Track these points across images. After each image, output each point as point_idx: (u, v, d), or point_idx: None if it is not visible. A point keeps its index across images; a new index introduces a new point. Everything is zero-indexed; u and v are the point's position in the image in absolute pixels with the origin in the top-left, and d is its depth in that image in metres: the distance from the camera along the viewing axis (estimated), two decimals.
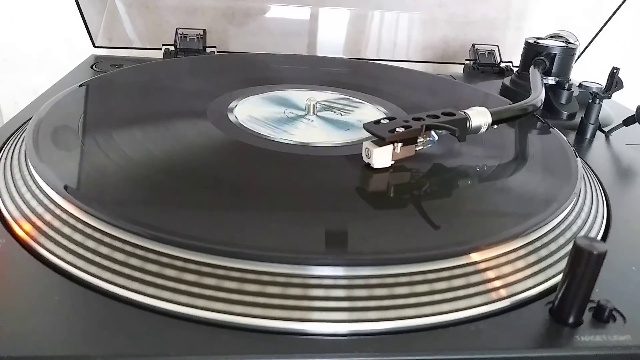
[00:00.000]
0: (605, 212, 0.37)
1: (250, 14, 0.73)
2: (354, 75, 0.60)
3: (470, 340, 0.25)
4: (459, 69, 0.74)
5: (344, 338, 0.25)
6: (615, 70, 0.49)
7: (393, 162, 0.37)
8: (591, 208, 0.36)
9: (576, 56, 0.58)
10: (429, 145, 0.38)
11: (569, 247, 0.25)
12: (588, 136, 0.51)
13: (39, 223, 0.30)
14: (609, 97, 0.50)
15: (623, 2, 0.67)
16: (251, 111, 0.46)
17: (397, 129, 0.36)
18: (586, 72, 0.63)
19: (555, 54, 0.56)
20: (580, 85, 0.56)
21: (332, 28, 0.77)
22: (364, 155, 0.37)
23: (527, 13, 0.77)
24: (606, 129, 0.52)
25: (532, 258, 0.30)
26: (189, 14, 0.71)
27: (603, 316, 0.26)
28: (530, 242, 0.31)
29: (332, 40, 0.78)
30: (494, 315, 0.26)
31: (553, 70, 0.56)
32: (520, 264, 0.29)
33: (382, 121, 0.37)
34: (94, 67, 0.62)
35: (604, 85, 0.50)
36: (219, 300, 0.25)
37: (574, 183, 0.36)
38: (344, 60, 0.69)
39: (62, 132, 0.39)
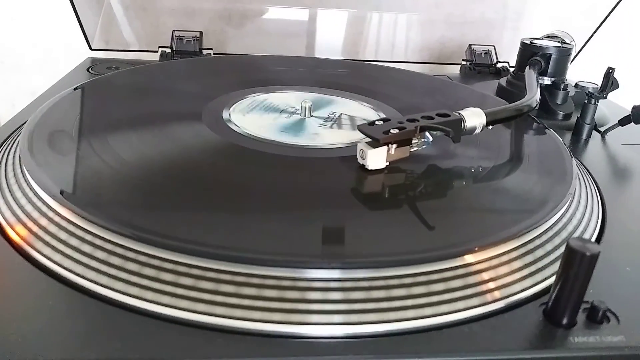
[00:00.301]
0: (600, 212, 0.37)
1: (247, 16, 0.73)
2: (352, 77, 0.60)
3: (464, 342, 0.25)
4: (456, 70, 0.74)
5: (340, 341, 0.25)
6: (610, 71, 0.49)
7: (387, 163, 0.37)
8: (586, 208, 0.36)
9: (572, 56, 0.58)
10: (424, 147, 0.38)
11: (563, 248, 0.25)
12: (584, 136, 0.51)
13: (33, 227, 0.30)
14: (605, 97, 0.50)
15: (618, 3, 0.67)
16: (247, 113, 0.46)
17: (392, 131, 0.36)
18: (582, 72, 0.63)
19: (551, 54, 0.56)
20: (576, 86, 0.56)
21: (330, 29, 0.77)
22: (358, 156, 0.37)
23: (524, 13, 0.78)
24: (602, 129, 0.52)
25: (526, 259, 0.30)
26: (186, 16, 0.72)
27: (597, 317, 0.26)
28: (525, 243, 0.31)
29: (330, 41, 0.78)
30: (488, 317, 0.26)
31: (549, 71, 0.56)
32: (515, 265, 0.29)
33: (376, 122, 0.37)
34: (90, 69, 0.62)
35: (599, 86, 0.50)
36: (215, 303, 0.25)
37: (569, 183, 0.36)
38: (342, 62, 0.69)
39: (57, 135, 0.39)
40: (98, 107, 0.46)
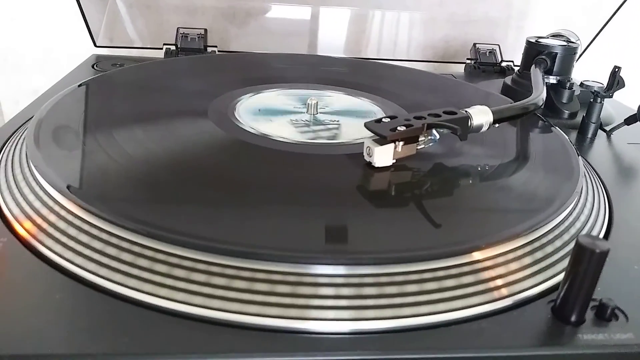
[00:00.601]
0: (606, 211, 0.37)
1: (251, 14, 0.73)
2: (355, 75, 0.60)
3: (472, 338, 0.25)
4: (460, 69, 0.74)
5: (346, 336, 0.25)
6: (616, 69, 0.48)
7: (394, 160, 0.37)
8: (593, 207, 0.36)
9: (577, 55, 0.58)
10: (431, 144, 0.38)
11: (571, 245, 0.25)
12: (589, 135, 0.50)
13: (40, 221, 0.30)
14: (611, 96, 0.50)
15: (624, 1, 0.67)
16: (252, 110, 0.45)
17: (399, 128, 0.36)
18: (587, 71, 0.63)
19: (556, 53, 0.56)
20: (581, 84, 0.56)
21: (333, 27, 0.77)
22: (365, 154, 0.37)
23: (528, 12, 0.77)
24: (607, 128, 0.52)
25: (533, 257, 0.30)
26: (190, 14, 0.71)
27: (605, 315, 0.26)
28: (532, 240, 0.30)
29: (333, 39, 0.78)
30: (496, 314, 0.26)
31: (554, 69, 0.56)
32: (523, 262, 0.29)
33: (383, 120, 0.37)
34: (94, 66, 0.62)
35: (605, 84, 0.50)
36: (221, 298, 0.25)
37: (575, 182, 0.36)
38: (345, 60, 0.69)
39: (63, 131, 0.39)
40: (103, 103, 0.46)
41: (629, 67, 0.53)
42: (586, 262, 0.24)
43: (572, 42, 0.58)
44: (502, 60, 0.73)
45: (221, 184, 0.34)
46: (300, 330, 0.25)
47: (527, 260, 0.29)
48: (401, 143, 0.36)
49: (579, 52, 0.58)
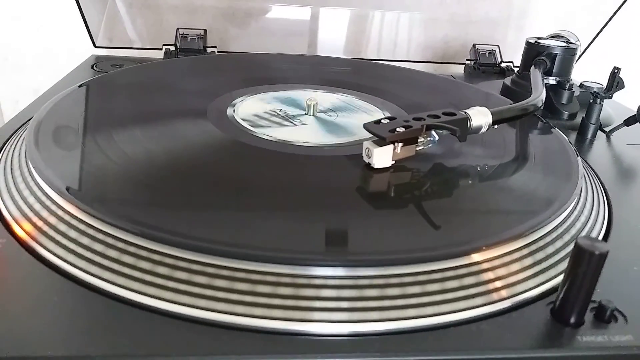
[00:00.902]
0: (606, 212, 0.37)
1: (251, 14, 0.73)
2: (355, 75, 0.60)
3: (471, 340, 0.25)
4: (460, 69, 0.74)
5: (346, 338, 0.25)
6: (616, 70, 0.48)
7: (393, 162, 0.37)
8: (592, 208, 0.36)
9: (577, 56, 0.58)
10: (430, 145, 0.38)
11: (570, 247, 0.25)
12: (589, 136, 0.50)
13: (39, 223, 0.30)
14: (610, 97, 0.50)
15: (624, 2, 0.67)
16: (251, 111, 0.45)
17: (398, 129, 0.36)
18: (587, 72, 0.63)
19: (556, 54, 0.56)
20: (581, 85, 0.56)
21: (332, 28, 0.77)
22: (364, 155, 0.36)
23: (528, 13, 0.77)
24: (607, 129, 0.52)
25: (533, 258, 0.30)
26: (190, 14, 0.71)
27: (605, 316, 0.26)
28: (532, 242, 0.30)
29: (332, 40, 0.78)
30: (495, 316, 0.26)
31: (554, 70, 0.56)
32: (522, 264, 0.29)
33: (382, 121, 0.37)
34: (94, 67, 0.62)
35: (605, 85, 0.50)
36: (220, 300, 0.25)
37: (575, 183, 0.36)
38: (345, 60, 0.69)
39: (62, 132, 0.39)
40: (103, 104, 0.46)
41: (628, 68, 0.53)
42: (585, 263, 0.24)
43: (572, 43, 0.58)
44: (501, 61, 0.73)
45: (220, 185, 0.34)
46: (299, 332, 0.25)
47: (527, 261, 0.29)
48: (400, 144, 0.36)
49: (578, 52, 0.58)
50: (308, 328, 0.25)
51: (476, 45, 0.74)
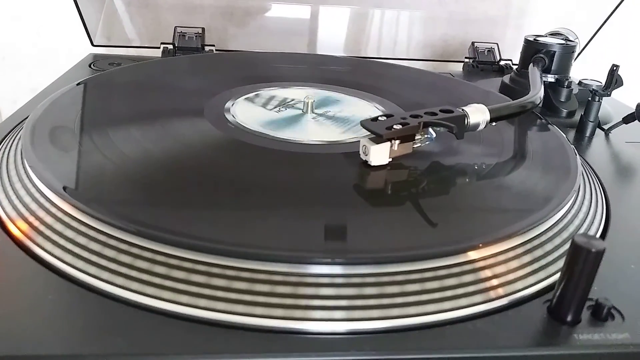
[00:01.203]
0: (604, 209, 0.37)
1: (249, 13, 0.73)
2: (354, 74, 0.60)
3: (468, 338, 0.25)
4: (459, 67, 0.74)
5: (342, 337, 0.24)
6: (614, 68, 0.48)
7: (390, 159, 0.36)
8: (590, 206, 0.36)
9: (576, 54, 0.58)
10: (427, 143, 0.38)
11: (568, 244, 0.25)
12: (587, 134, 0.50)
13: (34, 222, 0.30)
14: (609, 95, 0.50)
15: (622, 0, 0.67)
16: (249, 109, 0.45)
17: (395, 126, 0.36)
18: (586, 69, 0.63)
19: (554, 52, 0.56)
20: (579, 83, 0.56)
21: (332, 26, 0.77)
22: (361, 152, 0.36)
23: (527, 10, 0.77)
24: (606, 127, 0.51)
25: (530, 256, 0.30)
26: (188, 13, 0.71)
27: (601, 314, 0.26)
28: (529, 239, 0.30)
29: (332, 38, 0.78)
30: (492, 314, 0.26)
31: (552, 68, 0.56)
32: (519, 261, 0.29)
33: (379, 118, 0.37)
34: (92, 65, 0.62)
35: (603, 83, 0.50)
36: (216, 299, 0.25)
37: (573, 180, 0.36)
38: (344, 59, 0.69)
39: (59, 131, 0.39)
40: (100, 103, 0.46)
41: (627, 65, 0.53)
42: (582, 261, 0.24)
43: (571, 41, 0.58)
44: (500, 59, 0.73)
45: (218, 183, 0.34)
46: (295, 331, 0.25)
47: (524, 259, 0.29)
48: (397, 141, 0.36)
49: (577, 50, 0.58)
50: (302, 326, 0.25)
51: (475, 43, 0.74)
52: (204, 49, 0.67)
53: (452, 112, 0.38)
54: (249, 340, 0.24)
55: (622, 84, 0.49)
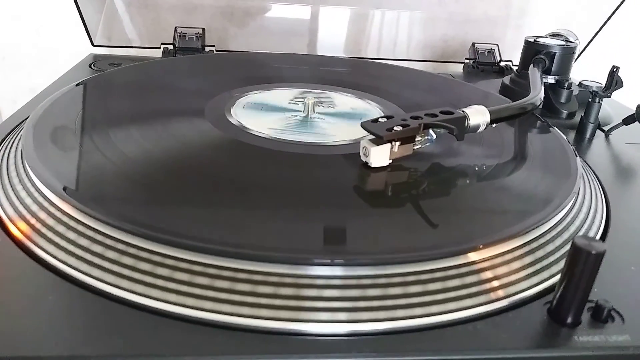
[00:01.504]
0: (604, 211, 0.37)
1: (250, 13, 0.73)
2: (354, 75, 0.60)
3: (468, 340, 0.25)
4: (459, 68, 0.74)
5: (342, 338, 0.24)
6: (615, 69, 0.48)
7: (391, 161, 0.36)
8: (590, 207, 0.36)
9: (576, 55, 0.58)
10: (427, 144, 0.38)
11: (568, 246, 0.25)
12: (588, 135, 0.50)
13: (34, 222, 0.29)
14: (609, 96, 0.50)
15: (623, 1, 0.67)
16: (250, 110, 0.45)
17: (395, 128, 0.36)
18: (586, 71, 0.63)
19: (555, 53, 0.56)
20: (580, 84, 0.56)
21: (332, 27, 0.77)
22: (361, 154, 0.36)
23: (527, 11, 0.77)
24: (606, 128, 0.51)
25: (530, 257, 0.30)
26: (188, 13, 0.71)
27: (602, 316, 0.26)
28: (529, 241, 0.30)
29: (332, 39, 0.78)
30: (492, 315, 0.26)
31: (553, 69, 0.56)
32: (519, 263, 0.29)
33: (380, 120, 0.37)
34: (92, 66, 0.62)
35: (603, 84, 0.50)
36: (215, 300, 0.25)
37: (573, 182, 0.36)
38: (344, 60, 0.69)
39: (59, 131, 0.39)
40: (100, 103, 0.46)
41: (627, 67, 0.53)
42: (582, 263, 0.24)
43: (571, 42, 0.58)
44: (500, 60, 0.73)
45: (218, 184, 0.34)
46: (296, 332, 0.25)
47: (524, 261, 0.29)
48: (398, 143, 0.36)
49: (577, 51, 0.58)
50: (305, 328, 0.25)
51: (475, 44, 0.74)
52: (204, 49, 0.67)
53: (452, 113, 0.38)
54: (250, 342, 0.24)
55: (622, 86, 0.49)
